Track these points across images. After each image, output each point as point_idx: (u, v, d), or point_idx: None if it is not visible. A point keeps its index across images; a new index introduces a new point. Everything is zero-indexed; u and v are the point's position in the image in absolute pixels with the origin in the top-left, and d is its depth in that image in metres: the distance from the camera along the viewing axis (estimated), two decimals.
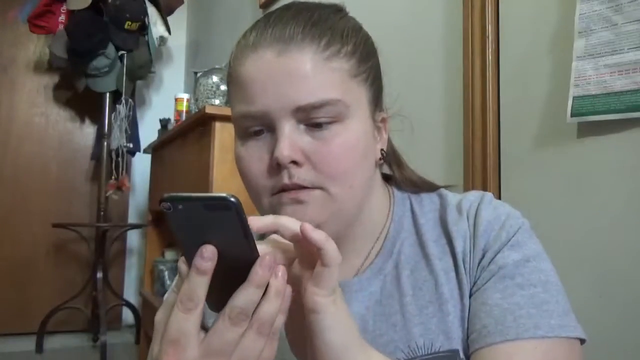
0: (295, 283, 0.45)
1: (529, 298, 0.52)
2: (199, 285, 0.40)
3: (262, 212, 0.57)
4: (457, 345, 0.55)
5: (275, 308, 0.42)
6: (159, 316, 0.44)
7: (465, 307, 0.56)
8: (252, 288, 0.40)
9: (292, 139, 0.52)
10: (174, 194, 0.39)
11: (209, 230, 0.40)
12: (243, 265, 0.41)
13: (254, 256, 0.41)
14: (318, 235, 0.42)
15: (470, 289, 0.57)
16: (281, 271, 0.42)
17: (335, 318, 0.44)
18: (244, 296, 0.41)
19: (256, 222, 0.43)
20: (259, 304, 0.41)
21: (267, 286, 0.41)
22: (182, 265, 0.42)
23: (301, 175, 0.53)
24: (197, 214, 0.39)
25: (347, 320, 0.45)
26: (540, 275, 0.54)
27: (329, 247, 0.43)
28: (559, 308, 0.52)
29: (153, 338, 0.44)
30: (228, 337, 0.40)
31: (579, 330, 0.52)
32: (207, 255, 0.40)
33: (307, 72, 0.52)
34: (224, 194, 0.38)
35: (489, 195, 0.62)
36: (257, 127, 0.55)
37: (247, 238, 0.40)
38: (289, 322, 0.46)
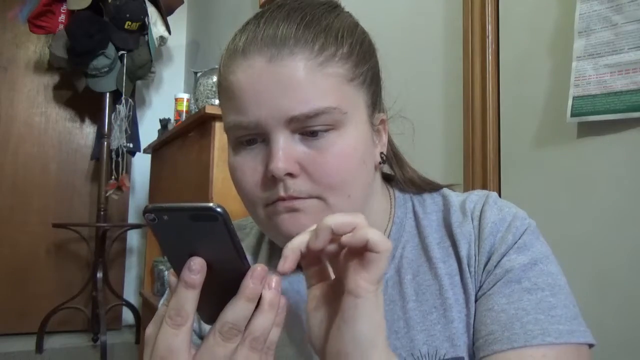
0: (341, 271, 0.44)
1: (536, 303, 0.51)
2: (188, 299, 0.38)
3: (258, 222, 0.56)
4: (463, 352, 0.53)
5: (269, 321, 0.40)
6: (150, 330, 0.42)
7: (471, 313, 0.54)
8: (242, 301, 0.39)
9: (286, 150, 0.50)
10: (158, 204, 0.37)
11: (197, 242, 0.38)
12: (234, 277, 0.39)
13: (244, 267, 0.39)
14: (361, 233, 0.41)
15: (476, 294, 0.55)
16: (274, 282, 0.40)
17: (372, 309, 0.41)
18: (234, 310, 0.39)
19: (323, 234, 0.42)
20: (251, 317, 0.39)
21: (260, 298, 0.40)
22: (171, 277, 0.41)
23: (297, 186, 0.51)
24: (183, 224, 0.37)
25: (381, 318, 0.43)
26: (547, 278, 0.53)
27: (375, 237, 0.40)
28: (568, 312, 0.51)
29: (144, 353, 0.42)
30: (219, 354, 0.39)
31: (588, 335, 0.51)
32: (196, 268, 0.38)
33: (300, 80, 0.50)
34: (210, 204, 0.36)
35: (493, 194, 0.60)
36: (249, 136, 0.53)
37: (236, 249, 0.38)
38: (324, 312, 0.45)
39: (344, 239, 0.42)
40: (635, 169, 0.81)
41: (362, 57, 0.55)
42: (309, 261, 0.46)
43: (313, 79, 0.50)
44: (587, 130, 0.88)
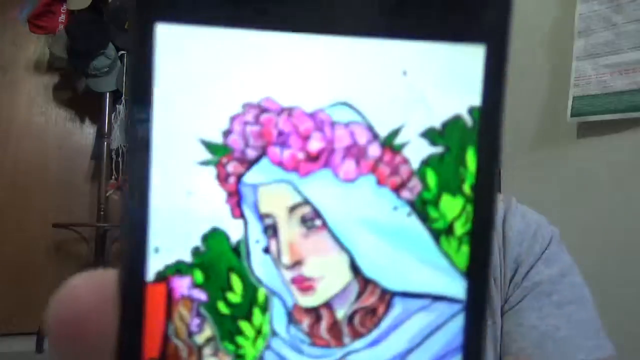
0: None
1: (566, 318, 0.51)
2: None
3: None
4: None
5: None
6: None
7: (497, 326, 0.53)
8: None
9: None
10: None
11: None
12: None
13: None
14: None
15: (502, 306, 0.54)
16: None
17: None
18: None
19: None
20: None
21: None
22: None
23: None
24: None
25: None
26: (576, 291, 0.53)
27: None
28: (595, 326, 0.51)
29: None
30: None
31: (611, 347, 0.51)
32: None
33: None
34: None
35: (513, 199, 0.58)
36: None
37: None
38: None
39: None
40: (635, 169, 0.81)
41: None
42: None
43: None
44: (587, 130, 0.88)
